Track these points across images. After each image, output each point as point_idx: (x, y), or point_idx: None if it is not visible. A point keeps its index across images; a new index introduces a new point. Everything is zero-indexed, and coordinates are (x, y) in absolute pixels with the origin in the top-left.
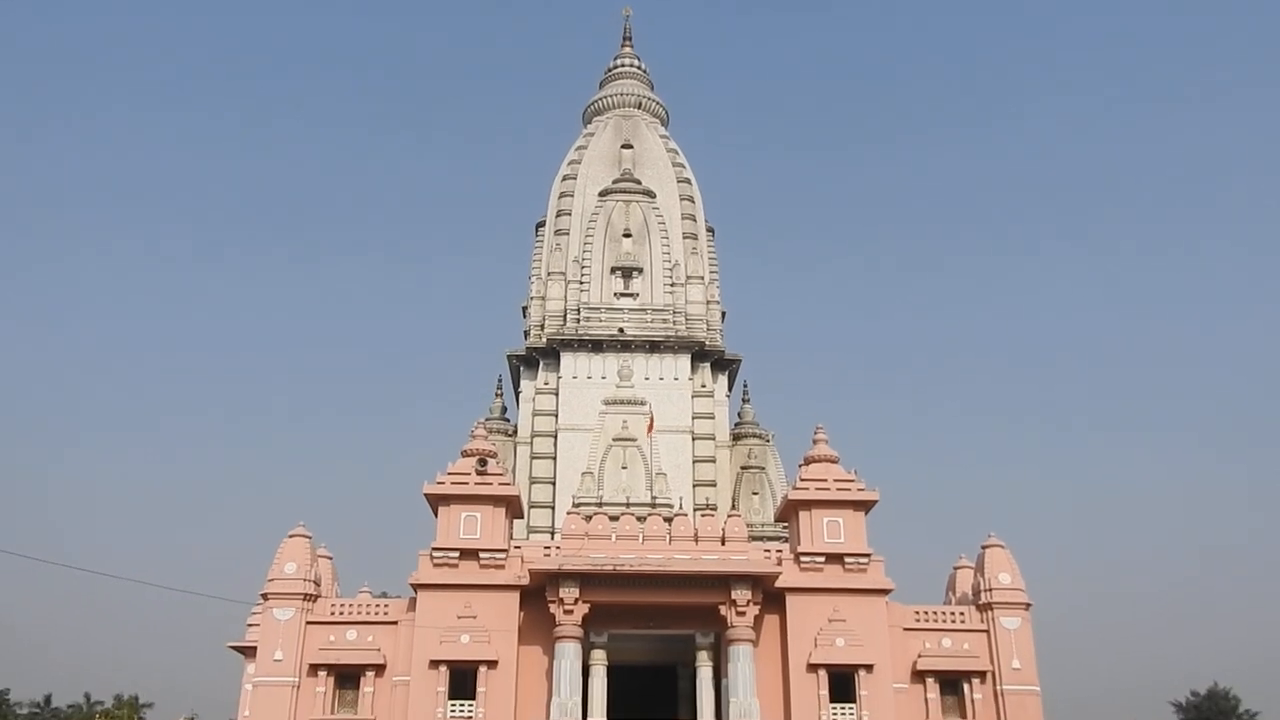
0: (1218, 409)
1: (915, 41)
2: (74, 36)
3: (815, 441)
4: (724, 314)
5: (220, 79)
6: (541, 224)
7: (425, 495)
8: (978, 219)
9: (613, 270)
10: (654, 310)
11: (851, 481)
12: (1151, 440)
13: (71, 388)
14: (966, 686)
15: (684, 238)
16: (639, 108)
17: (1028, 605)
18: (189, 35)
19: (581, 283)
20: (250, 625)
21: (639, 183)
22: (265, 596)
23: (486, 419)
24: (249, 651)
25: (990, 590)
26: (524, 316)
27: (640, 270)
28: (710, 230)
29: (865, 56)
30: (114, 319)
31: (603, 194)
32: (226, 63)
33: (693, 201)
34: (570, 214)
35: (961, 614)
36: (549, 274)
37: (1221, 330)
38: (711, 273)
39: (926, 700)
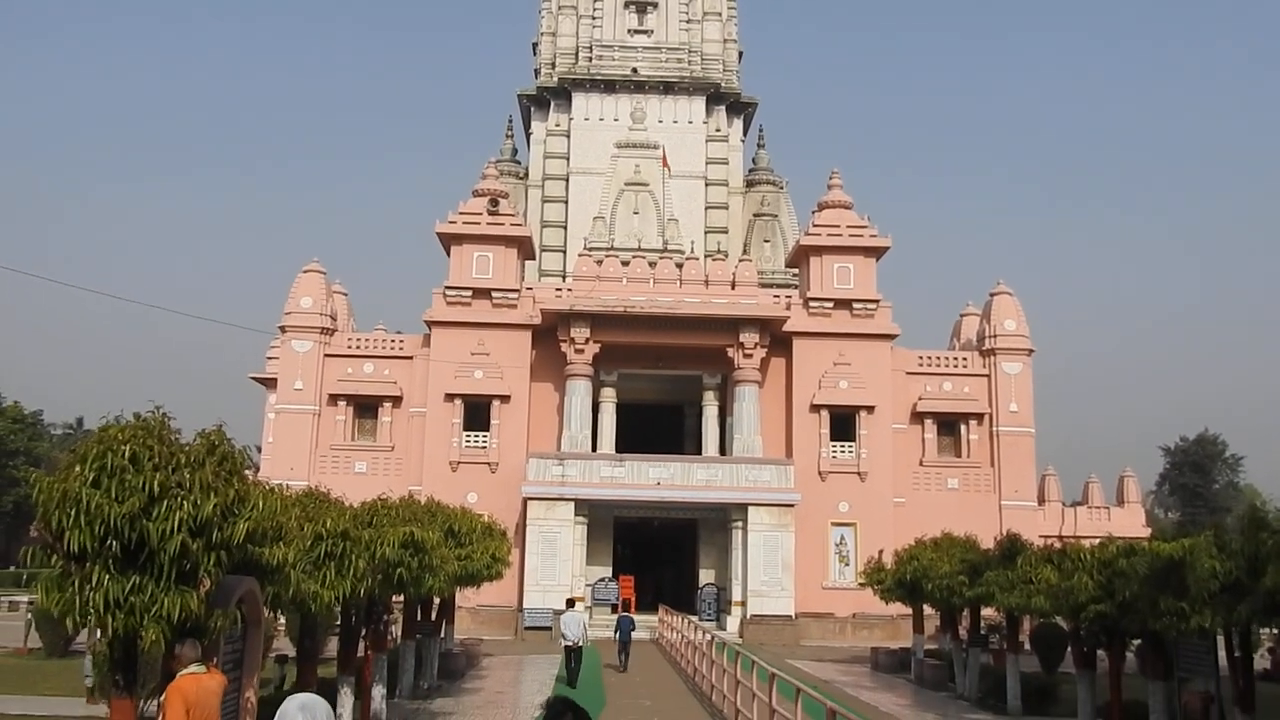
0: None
1: None
2: None
3: (830, 187)
4: (741, 54)
5: None
6: None
7: (438, 234)
8: None
9: (626, 4)
10: (669, 49)
11: (864, 228)
12: (1158, 197)
13: (102, 119)
14: (963, 427)
15: None
16: None
17: (1030, 351)
18: None
19: (594, 18)
20: (270, 358)
21: None
22: (283, 329)
23: (497, 160)
24: (269, 383)
25: (995, 336)
26: (534, 54)
27: (655, 4)
28: None
29: None
30: (151, 51)
31: None
32: None
33: None
34: None
35: (964, 359)
36: (560, 7)
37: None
38: (730, 8)
39: (924, 439)
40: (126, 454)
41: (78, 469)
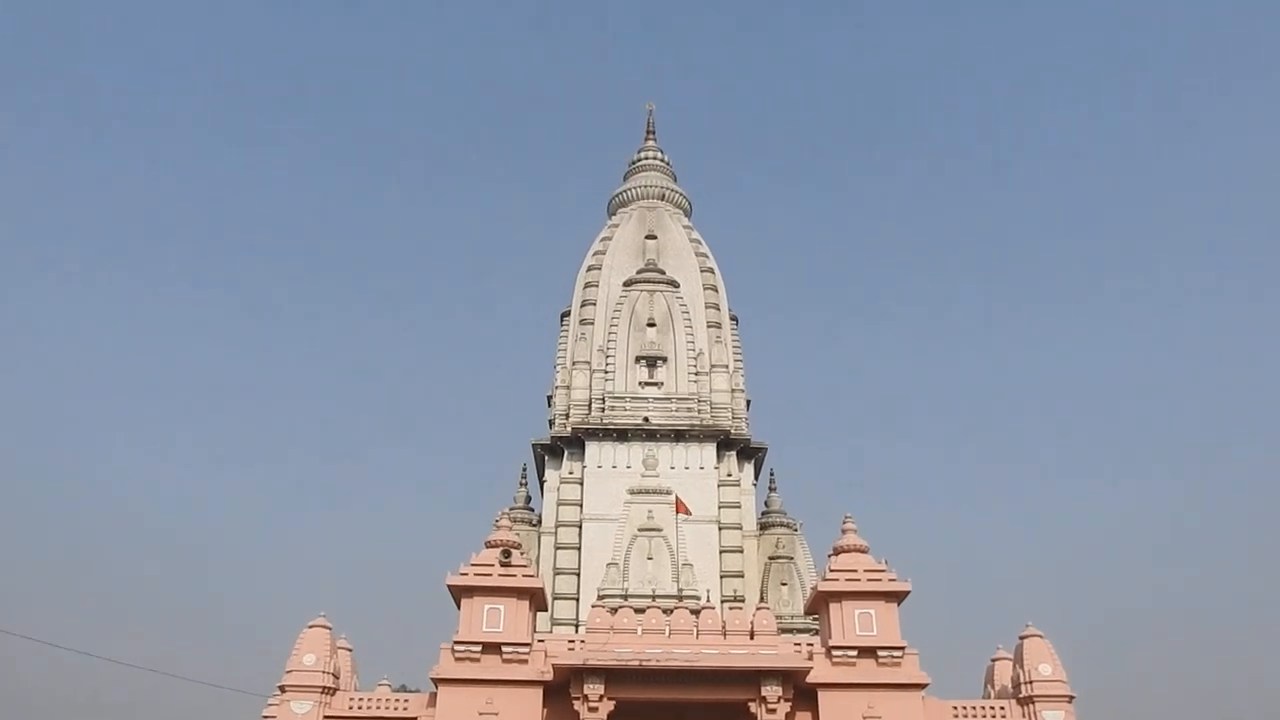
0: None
1: (939, 128)
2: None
3: (844, 531)
4: (749, 402)
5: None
6: (567, 314)
7: (448, 587)
8: (1000, 297)
9: (638, 359)
10: (679, 399)
11: (882, 572)
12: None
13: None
14: None
15: (708, 326)
16: (662, 199)
17: (1070, 698)
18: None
19: (606, 372)
20: (266, 718)
21: (663, 273)
22: (283, 689)
23: (510, 509)
24: None
25: (1030, 683)
26: (549, 405)
27: (665, 359)
28: (734, 318)
29: (883, 157)
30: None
31: (627, 284)
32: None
33: (716, 290)
34: (595, 304)
35: (1002, 708)
36: (574, 363)
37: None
38: (736, 361)
39: None
40: None
41: None
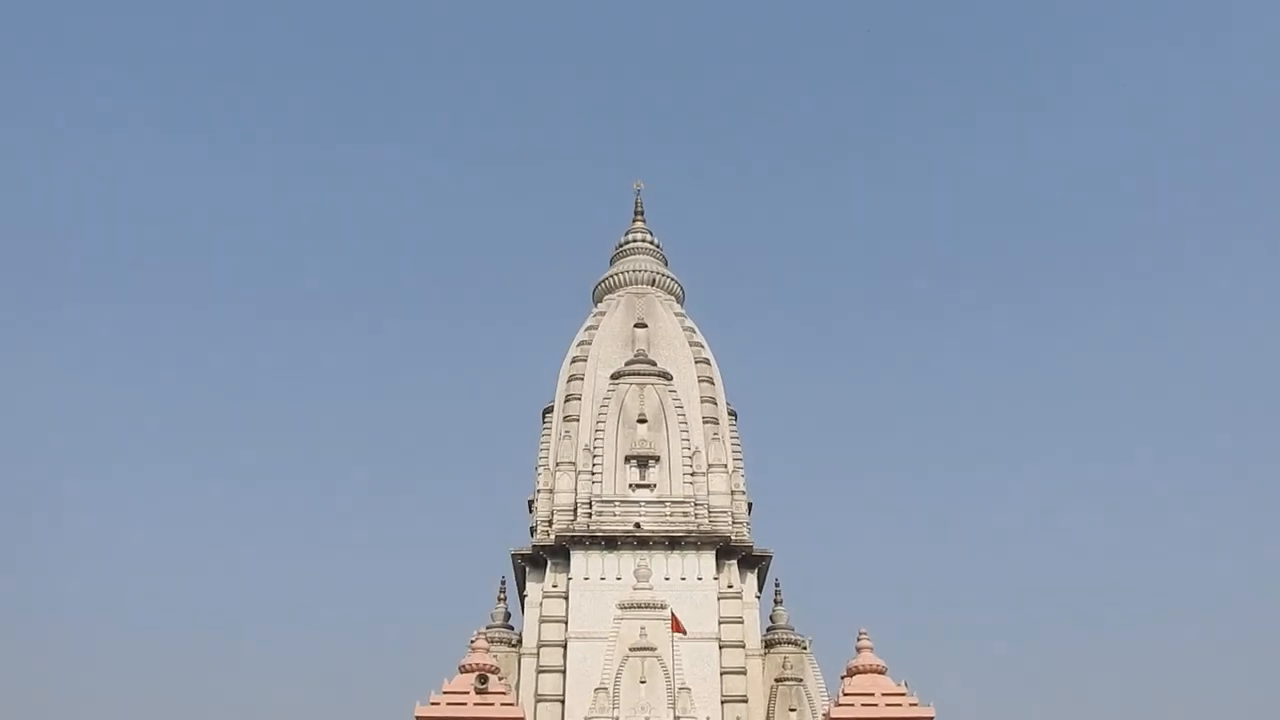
0: None
1: (932, 213)
2: None
3: (859, 649)
4: (750, 504)
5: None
6: (549, 410)
7: (417, 719)
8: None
9: (627, 459)
10: (673, 502)
11: (902, 695)
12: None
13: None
14: None
15: (704, 422)
16: (653, 284)
17: None
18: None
19: (593, 473)
20: None
21: (654, 364)
22: None
23: (488, 627)
24: None
25: None
26: (530, 511)
27: (657, 459)
28: (732, 414)
29: (885, 231)
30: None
31: (615, 377)
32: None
33: (712, 383)
34: (580, 399)
35: None
36: (557, 464)
37: None
38: (735, 459)
39: None
40: None
41: None
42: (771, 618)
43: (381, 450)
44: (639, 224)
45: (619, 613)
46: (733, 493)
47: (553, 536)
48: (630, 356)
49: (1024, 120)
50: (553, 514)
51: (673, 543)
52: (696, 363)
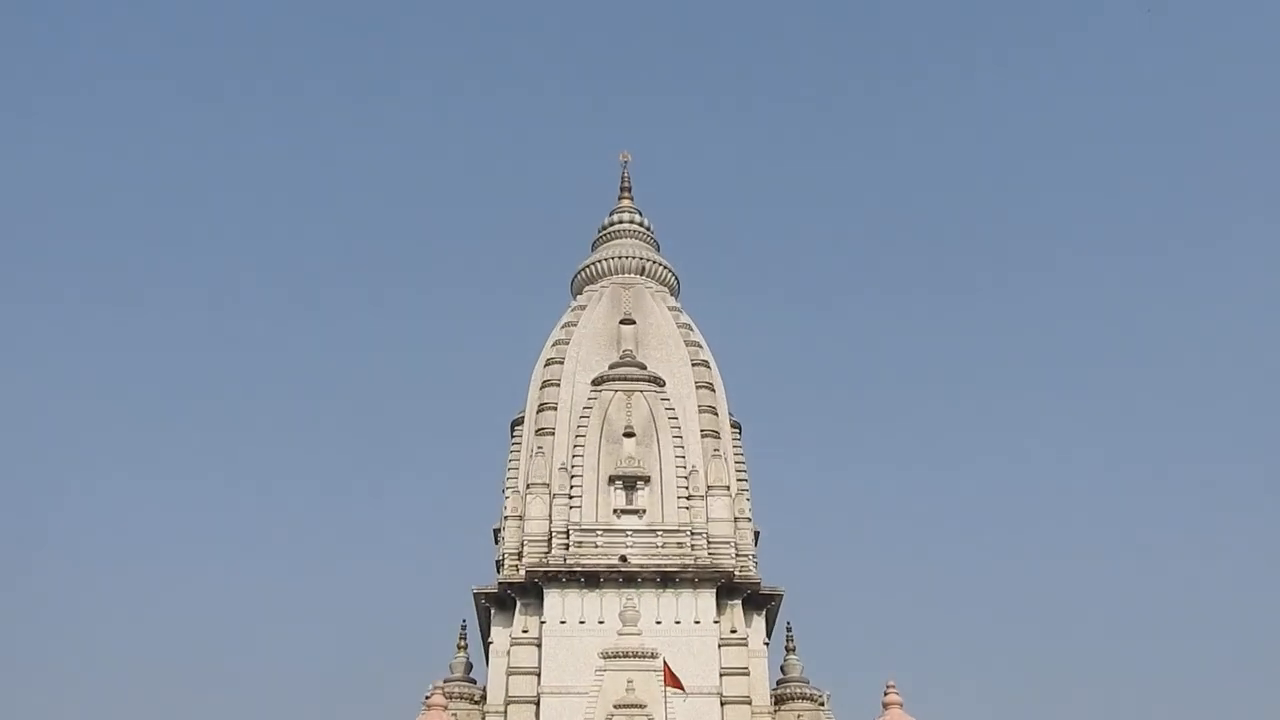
0: None
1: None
2: None
3: (886, 705)
4: (757, 534)
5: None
6: (519, 422)
7: None
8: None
9: (611, 480)
10: (665, 531)
11: None
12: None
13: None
14: None
15: (702, 436)
16: (642, 273)
17: None
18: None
19: (571, 497)
20: None
21: (643, 367)
22: None
23: (445, 680)
24: None
25: None
26: (495, 542)
27: (647, 480)
28: (736, 426)
29: (909, 216)
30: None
31: (597, 382)
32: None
33: (712, 390)
34: (556, 408)
35: None
36: (529, 486)
37: None
38: (739, 481)
39: None
40: None
41: None
42: (783, 668)
43: (321, 469)
44: (626, 203)
45: (601, 663)
46: (736, 520)
47: (522, 572)
48: (615, 358)
49: (1036, 110)
50: (523, 545)
51: (665, 579)
52: (693, 365)
